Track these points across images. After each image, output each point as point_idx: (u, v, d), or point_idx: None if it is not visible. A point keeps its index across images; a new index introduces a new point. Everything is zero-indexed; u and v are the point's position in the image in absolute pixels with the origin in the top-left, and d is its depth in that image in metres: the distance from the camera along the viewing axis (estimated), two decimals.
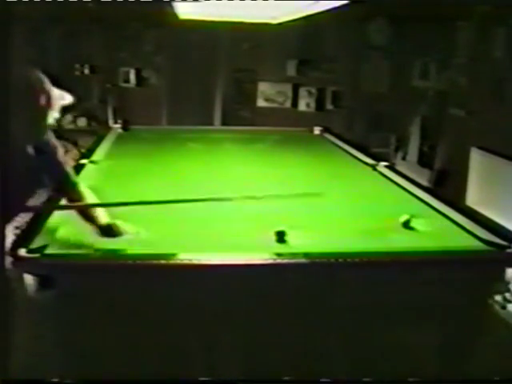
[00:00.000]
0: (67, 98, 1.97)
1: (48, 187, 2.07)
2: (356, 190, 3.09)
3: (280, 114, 6.73)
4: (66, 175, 2.10)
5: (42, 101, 1.87)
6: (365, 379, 2.10)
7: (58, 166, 2.07)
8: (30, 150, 1.92)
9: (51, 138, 2.04)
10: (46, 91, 1.88)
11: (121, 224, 2.17)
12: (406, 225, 2.49)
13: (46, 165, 2.02)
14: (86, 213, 2.12)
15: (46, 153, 2.00)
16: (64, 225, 2.32)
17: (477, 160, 5.21)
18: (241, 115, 6.92)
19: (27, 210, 2.13)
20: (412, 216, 2.51)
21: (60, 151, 2.07)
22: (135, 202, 2.29)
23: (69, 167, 2.13)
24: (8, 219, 1.93)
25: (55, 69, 6.76)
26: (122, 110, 6.73)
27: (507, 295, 2.15)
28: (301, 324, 2.09)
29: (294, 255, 2.10)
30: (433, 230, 2.49)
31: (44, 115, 1.90)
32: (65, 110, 1.97)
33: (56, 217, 2.38)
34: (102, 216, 2.16)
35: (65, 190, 2.13)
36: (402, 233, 2.44)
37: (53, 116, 1.93)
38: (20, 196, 1.98)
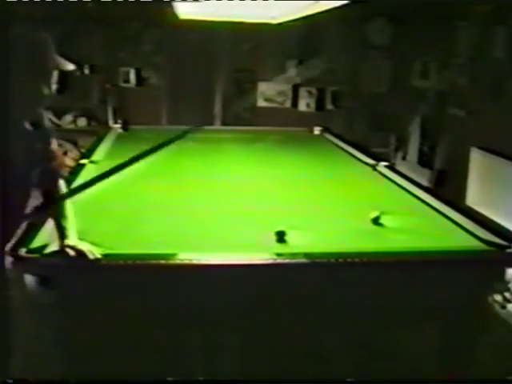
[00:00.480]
0: (70, 66, 1.90)
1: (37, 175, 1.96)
2: (356, 190, 3.09)
3: (280, 114, 6.73)
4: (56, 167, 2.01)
5: (50, 64, 1.81)
6: (365, 379, 2.10)
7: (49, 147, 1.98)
8: (27, 125, 1.87)
9: (46, 119, 2.00)
10: (54, 55, 1.82)
11: (81, 245, 2.05)
12: (376, 221, 2.51)
13: (41, 144, 1.94)
14: (58, 224, 2.02)
15: (41, 128, 1.94)
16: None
17: (477, 160, 5.21)
18: (241, 115, 6.91)
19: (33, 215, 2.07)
20: (382, 213, 2.53)
21: (55, 145, 2.02)
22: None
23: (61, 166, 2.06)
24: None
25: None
26: (122, 109, 6.72)
27: (507, 295, 2.15)
28: (301, 324, 2.09)
29: (293, 255, 2.10)
30: (432, 229, 2.49)
31: (48, 81, 1.84)
32: (64, 81, 1.91)
33: None
34: (70, 236, 2.05)
35: (50, 182, 2.00)
36: (401, 233, 2.44)
37: (53, 86, 1.87)
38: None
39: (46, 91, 1.71)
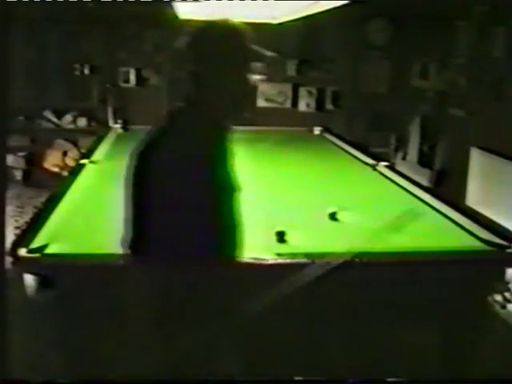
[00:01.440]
0: (266, 53, 1.66)
1: None
2: (356, 190, 3.09)
3: (280, 113, 6.73)
4: None
5: (245, 62, 1.49)
6: (365, 379, 2.10)
7: None
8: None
9: None
10: (249, 48, 1.48)
11: None
12: (333, 216, 2.52)
13: None
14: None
15: None
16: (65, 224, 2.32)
17: (477, 160, 5.21)
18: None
19: None
20: (339, 209, 2.55)
21: None
22: None
23: None
24: None
25: (55, 69, 6.76)
26: (122, 109, 6.72)
27: (507, 295, 2.15)
28: (301, 324, 2.09)
29: (293, 255, 2.10)
30: (432, 229, 2.49)
31: (246, 80, 1.53)
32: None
33: (56, 216, 2.38)
34: None
35: None
36: (401, 233, 2.43)
37: (253, 81, 1.54)
38: None
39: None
